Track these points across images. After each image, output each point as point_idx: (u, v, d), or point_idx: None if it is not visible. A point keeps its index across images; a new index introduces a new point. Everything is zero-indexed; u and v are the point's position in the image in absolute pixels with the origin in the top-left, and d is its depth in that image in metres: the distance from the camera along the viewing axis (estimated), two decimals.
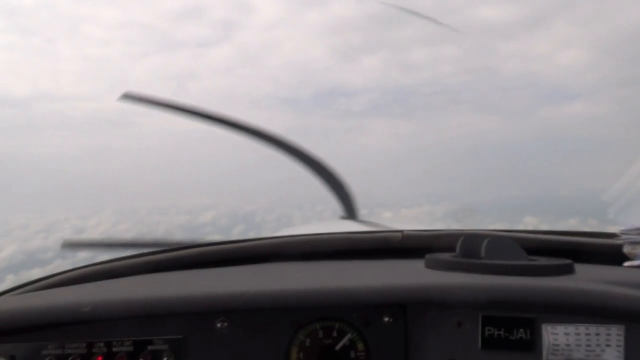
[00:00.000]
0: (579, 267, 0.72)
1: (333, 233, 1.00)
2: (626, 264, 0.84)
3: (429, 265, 0.76)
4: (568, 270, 0.68)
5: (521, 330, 0.61)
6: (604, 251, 0.88)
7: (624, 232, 0.84)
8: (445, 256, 0.77)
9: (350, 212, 2.13)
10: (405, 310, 0.66)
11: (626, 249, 0.85)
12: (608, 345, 0.58)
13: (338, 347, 0.66)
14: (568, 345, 0.59)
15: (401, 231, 0.98)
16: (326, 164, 2.07)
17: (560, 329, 0.60)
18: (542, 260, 0.71)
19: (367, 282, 0.66)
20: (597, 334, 0.58)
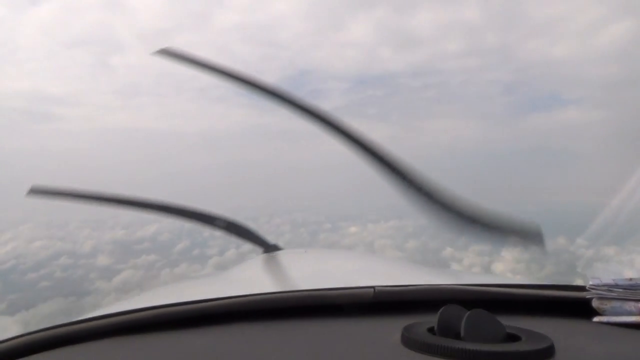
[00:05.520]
0: (556, 329, 0.75)
1: (298, 291, 1.03)
2: (595, 319, 0.87)
3: (406, 343, 0.76)
4: (550, 354, 0.69)
5: None
6: (573, 305, 0.92)
7: (592, 287, 0.87)
8: (423, 332, 0.77)
9: (266, 245, 2.15)
10: None
11: (594, 304, 0.88)
12: None
13: None
14: None
15: (373, 287, 0.99)
16: None
17: None
18: (523, 341, 0.71)
19: None
20: None
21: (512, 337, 0.73)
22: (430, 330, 0.77)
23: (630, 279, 0.85)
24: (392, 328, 0.82)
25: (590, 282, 0.89)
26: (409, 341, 0.75)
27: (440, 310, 0.77)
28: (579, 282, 0.97)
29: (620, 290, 0.85)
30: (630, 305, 0.84)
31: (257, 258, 2.05)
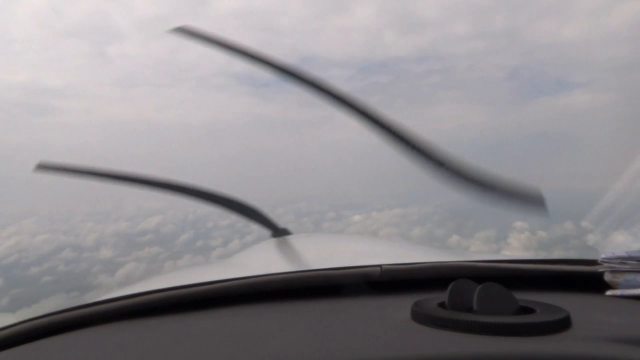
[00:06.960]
0: (569, 303, 0.73)
1: (304, 271, 1.03)
2: (608, 292, 0.87)
3: (416, 319, 0.75)
4: (566, 325, 0.68)
5: None
6: (586, 279, 0.92)
7: (605, 260, 0.86)
8: (433, 307, 0.75)
9: (275, 229, 2.20)
10: None
11: (607, 277, 0.87)
12: None
13: None
14: None
15: (380, 266, 0.99)
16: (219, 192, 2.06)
17: None
18: (538, 313, 0.70)
19: (350, 347, 0.65)
20: None
21: (526, 310, 0.72)
22: (441, 305, 0.76)
23: None
24: (400, 305, 0.81)
25: (603, 256, 0.88)
26: (420, 316, 0.74)
27: (451, 284, 0.76)
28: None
29: (634, 262, 0.84)
30: None
31: (264, 242, 2.06)
